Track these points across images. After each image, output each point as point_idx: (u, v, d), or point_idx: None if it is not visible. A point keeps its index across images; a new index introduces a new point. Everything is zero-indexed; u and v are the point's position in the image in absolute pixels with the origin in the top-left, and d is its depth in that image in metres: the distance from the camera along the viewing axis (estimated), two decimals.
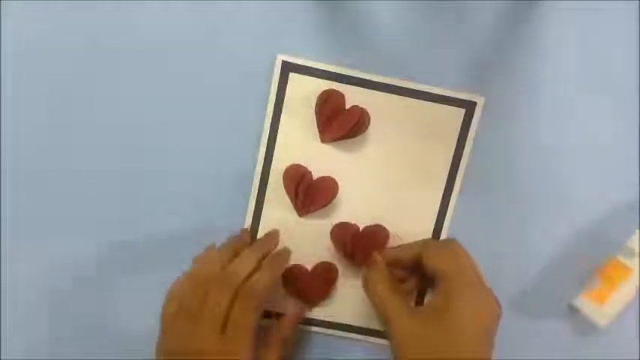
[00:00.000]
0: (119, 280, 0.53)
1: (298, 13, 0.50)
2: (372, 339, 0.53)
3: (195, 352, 0.44)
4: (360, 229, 0.52)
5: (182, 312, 0.45)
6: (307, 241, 0.52)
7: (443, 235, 0.52)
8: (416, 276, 0.50)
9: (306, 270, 0.52)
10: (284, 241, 0.52)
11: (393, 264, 0.49)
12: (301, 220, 0.52)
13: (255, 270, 0.47)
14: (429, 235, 0.52)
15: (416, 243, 0.49)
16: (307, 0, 0.50)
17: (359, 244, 0.51)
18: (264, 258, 0.49)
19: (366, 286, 0.48)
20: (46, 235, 0.52)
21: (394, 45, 0.50)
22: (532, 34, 0.50)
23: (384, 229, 0.52)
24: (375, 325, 0.53)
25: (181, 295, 0.46)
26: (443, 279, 0.45)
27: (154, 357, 0.49)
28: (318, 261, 0.52)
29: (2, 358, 0.53)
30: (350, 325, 0.53)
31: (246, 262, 0.47)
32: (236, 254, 0.48)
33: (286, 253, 0.52)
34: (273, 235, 0.52)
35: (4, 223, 0.52)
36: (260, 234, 0.52)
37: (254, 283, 0.46)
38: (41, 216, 0.52)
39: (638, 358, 0.53)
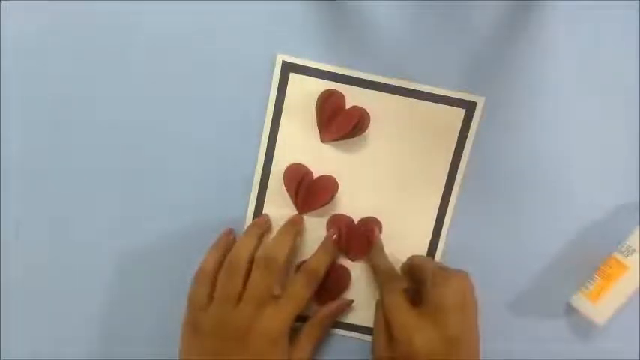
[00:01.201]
0: (119, 279, 0.53)
1: (298, 13, 0.50)
2: (360, 335, 0.53)
3: (240, 328, 0.45)
4: (356, 222, 0.52)
5: (219, 297, 0.46)
6: (307, 240, 0.52)
7: (443, 235, 0.52)
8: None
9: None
10: None
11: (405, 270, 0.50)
12: None
13: (291, 249, 0.49)
14: (428, 234, 0.52)
15: (429, 265, 0.47)
16: (307, 0, 0.50)
17: (353, 237, 0.51)
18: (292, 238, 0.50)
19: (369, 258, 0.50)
20: (46, 235, 0.52)
21: (394, 45, 0.50)
22: (532, 34, 0.50)
23: (378, 221, 0.52)
24: (363, 322, 0.53)
25: (213, 278, 0.47)
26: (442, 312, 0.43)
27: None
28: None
29: (2, 358, 0.53)
30: (341, 322, 0.53)
31: (281, 244, 0.49)
32: (260, 239, 0.50)
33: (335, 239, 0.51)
34: (297, 219, 0.52)
35: (4, 222, 0.52)
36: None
37: (312, 262, 0.49)
38: (41, 216, 0.52)
39: (638, 358, 0.53)
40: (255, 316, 0.46)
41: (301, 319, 0.50)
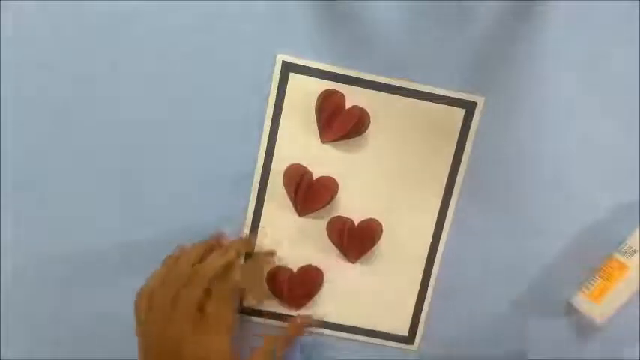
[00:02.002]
0: (119, 280, 0.53)
1: (298, 13, 0.50)
2: (359, 337, 0.54)
3: (173, 343, 0.46)
4: (356, 224, 0.52)
5: (155, 310, 0.47)
6: (307, 240, 0.52)
7: (443, 235, 0.52)
8: None
9: (291, 272, 0.52)
10: (283, 241, 0.52)
11: None
12: (301, 219, 0.52)
13: (229, 266, 0.48)
14: (429, 234, 0.52)
15: None
16: (307, 0, 0.50)
17: (354, 239, 0.51)
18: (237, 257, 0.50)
19: None
20: (47, 235, 0.52)
21: (394, 45, 0.50)
22: (532, 34, 0.50)
23: (379, 223, 0.52)
24: (362, 324, 0.53)
25: (152, 293, 0.47)
26: None
27: None
28: (305, 263, 0.52)
29: (2, 358, 0.53)
30: (339, 324, 0.53)
31: (215, 260, 0.48)
32: (205, 255, 0.49)
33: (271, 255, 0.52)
34: (247, 239, 0.52)
35: (4, 222, 0.52)
36: (260, 234, 0.52)
37: (229, 278, 0.48)
38: (41, 216, 0.52)
39: (638, 358, 0.53)
40: (184, 332, 0.45)
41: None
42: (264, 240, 0.52)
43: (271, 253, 0.52)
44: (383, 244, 0.52)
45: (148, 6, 0.50)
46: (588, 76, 0.50)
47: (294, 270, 0.52)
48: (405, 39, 0.50)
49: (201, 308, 0.46)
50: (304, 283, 0.52)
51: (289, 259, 0.52)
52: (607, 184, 0.51)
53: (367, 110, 0.50)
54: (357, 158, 0.51)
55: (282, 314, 0.53)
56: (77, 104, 0.51)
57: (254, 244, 0.52)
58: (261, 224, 0.52)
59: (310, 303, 0.53)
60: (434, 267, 0.52)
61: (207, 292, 0.47)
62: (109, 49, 0.50)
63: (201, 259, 0.48)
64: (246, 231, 0.52)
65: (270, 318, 0.53)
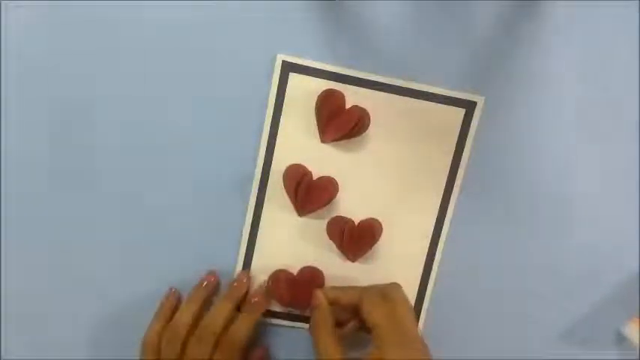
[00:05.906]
0: (119, 280, 0.53)
1: (298, 13, 0.50)
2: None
3: None
4: (356, 223, 0.52)
5: None
6: (307, 240, 0.52)
7: (443, 235, 0.52)
8: (357, 320, 0.49)
9: (292, 275, 0.52)
10: (284, 241, 0.52)
11: (332, 303, 0.48)
12: (301, 219, 0.52)
13: (231, 316, 0.49)
14: (428, 234, 0.52)
15: (355, 288, 0.48)
16: (307, 0, 0.50)
17: (354, 238, 0.51)
18: (238, 303, 0.50)
19: (309, 327, 0.48)
20: (47, 235, 0.52)
21: (394, 45, 0.50)
22: (532, 34, 0.50)
23: (379, 222, 0.52)
24: None
25: (157, 347, 0.48)
26: (376, 331, 0.44)
27: None
28: (304, 265, 0.52)
29: (2, 358, 0.53)
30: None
31: (220, 312, 0.49)
32: (205, 302, 0.50)
33: (263, 297, 0.51)
34: (242, 278, 0.51)
35: (4, 222, 0.52)
36: (260, 234, 0.52)
37: (234, 332, 0.48)
38: (42, 217, 0.52)
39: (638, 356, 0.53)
40: None
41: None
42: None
43: (264, 299, 0.52)
44: (383, 243, 0.52)
45: (148, 6, 0.50)
46: (588, 76, 0.51)
47: (294, 273, 0.52)
48: (405, 39, 0.50)
49: None
50: (305, 284, 0.52)
51: (289, 259, 0.52)
52: (607, 183, 0.52)
53: (367, 110, 0.50)
54: (357, 158, 0.51)
55: (276, 312, 0.53)
56: (77, 104, 0.51)
57: (248, 285, 0.52)
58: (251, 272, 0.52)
59: None
60: (434, 267, 0.53)
61: (215, 346, 0.47)
62: (109, 49, 0.50)
63: (200, 308, 0.49)
64: (238, 269, 0.52)
65: (269, 317, 0.53)
